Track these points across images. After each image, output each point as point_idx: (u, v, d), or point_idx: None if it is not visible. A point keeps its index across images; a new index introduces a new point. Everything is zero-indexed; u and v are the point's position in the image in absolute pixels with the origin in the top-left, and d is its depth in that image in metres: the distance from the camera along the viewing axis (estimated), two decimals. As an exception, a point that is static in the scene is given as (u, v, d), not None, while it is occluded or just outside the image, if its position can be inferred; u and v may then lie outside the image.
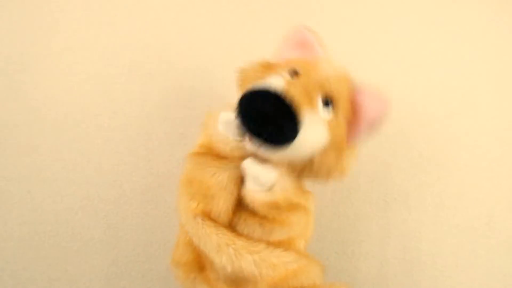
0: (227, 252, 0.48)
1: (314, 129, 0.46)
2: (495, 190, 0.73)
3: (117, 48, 0.73)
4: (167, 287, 0.73)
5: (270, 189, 0.48)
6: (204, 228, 0.49)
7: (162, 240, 0.73)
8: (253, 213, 0.50)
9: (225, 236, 0.49)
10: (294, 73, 0.49)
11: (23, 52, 0.72)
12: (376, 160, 0.74)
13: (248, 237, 0.50)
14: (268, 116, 0.43)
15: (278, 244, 0.51)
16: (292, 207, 0.50)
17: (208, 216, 0.50)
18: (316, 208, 0.74)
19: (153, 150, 0.73)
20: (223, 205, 0.50)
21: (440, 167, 0.74)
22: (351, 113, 0.49)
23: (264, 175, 0.48)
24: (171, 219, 0.73)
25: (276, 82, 0.46)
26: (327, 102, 0.47)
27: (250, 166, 0.48)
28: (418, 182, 0.74)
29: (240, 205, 0.50)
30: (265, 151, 0.46)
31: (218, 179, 0.49)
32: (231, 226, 0.51)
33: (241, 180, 0.50)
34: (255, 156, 0.49)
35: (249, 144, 0.47)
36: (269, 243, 0.50)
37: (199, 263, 0.53)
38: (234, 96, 0.47)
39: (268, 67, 0.52)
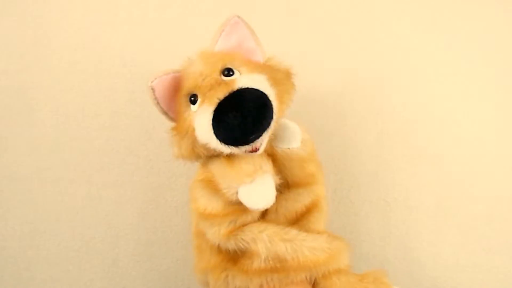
0: (262, 238, 0.49)
1: (253, 79, 0.49)
2: (495, 189, 0.73)
3: (117, 48, 0.73)
4: (167, 287, 0.73)
5: (301, 143, 0.53)
6: (238, 232, 0.51)
7: (163, 240, 0.73)
8: (286, 189, 0.54)
9: (256, 224, 0.51)
10: (192, 95, 0.51)
11: (23, 52, 0.72)
12: (376, 160, 0.74)
13: (278, 219, 0.53)
14: (249, 113, 0.45)
15: (308, 211, 0.54)
16: (317, 160, 0.56)
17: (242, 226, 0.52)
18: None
19: (153, 149, 0.73)
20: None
21: (440, 167, 0.74)
22: (241, 56, 0.53)
23: (299, 131, 0.53)
24: (172, 219, 0.73)
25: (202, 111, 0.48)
26: (228, 71, 0.50)
27: (291, 125, 0.53)
28: (418, 182, 0.74)
29: None
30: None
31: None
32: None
33: None
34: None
35: (248, 154, 0.50)
36: (299, 222, 0.53)
37: (231, 259, 0.53)
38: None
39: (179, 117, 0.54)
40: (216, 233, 0.51)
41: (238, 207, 0.50)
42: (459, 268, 0.73)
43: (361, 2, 0.74)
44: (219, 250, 0.53)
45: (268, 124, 0.46)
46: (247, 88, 0.46)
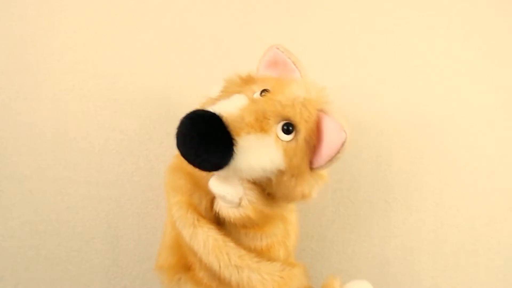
0: (223, 259, 0.49)
1: (258, 153, 0.45)
2: (495, 190, 0.73)
3: (117, 48, 0.73)
4: (168, 287, 0.73)
5: (239, 204, 0.49)
6: (197, 227, 0.50)
7: (163, 240, 0.73)
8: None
9: (219, 241, 0.50)
10: (265, 92, 0.48)
11: (23, 52, 0.72)
12: (376, 160, 0.74)
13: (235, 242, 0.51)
14: (194, 142, 0.42)
15: (258, 252, 0.52)
16: (266, 218, 0.51)
17: (196, 210, 0.51)
18: (316, 208, 0.74)
19: (154, 149, 0.73)
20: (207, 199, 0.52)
21: (440, 167, 0.74)
22: (315, 137, 0.48)
23: (230, 193, 0.48)
24: (172, 219, 0.73)
25: (235, 102, 0.46)
26: (287, 125, 0.46)
27: (214, 186, 0.49)
28: (418, 182, 0.74)
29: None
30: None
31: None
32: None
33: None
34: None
35: None
36: (253, 251, 0.52)
37: (185, 265, 0.54)
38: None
39: (247, 81, 0.52)
40: (172, 201, 0.52)
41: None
42: (459, 268, 0.73)
43: (361, 3, 0.74)
44: (175, 250, 0.54)
45: (208, 158, 0.43)
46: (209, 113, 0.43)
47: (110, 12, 0.73)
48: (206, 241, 0.49)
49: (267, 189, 0.49)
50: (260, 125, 0.45)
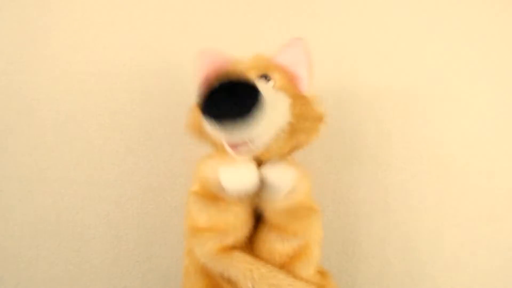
0: (250, 277, 0.49)
1: (270, 94, 0.48)
2: (495, 190, 0.73)
3: (117, 48, 0.73)
4: (167, 287, 0.73)
5: (292, 190, 0.50)
6: (226, 258, 0.51)
7: (163, 240, 0.73)
8: (267, 227, 0.52)
9: (245, 260, 0.50)
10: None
11: (23, 52, 0.72)
12: (376, 160, 0.74)
13: (266, 258, 0.51)
14: (230, 92, 0.44)
15: (295, 255, 0.52)
16: (309, 210, 0.54)
17: (229, 248, 0.52)
18: (317, 208, 0.74)
19: (153, 149, 0.74)
20: (242, 237, 0.52)
21: (440, 167, 0.74)
22: (285, 74, 0.53)
23: (288, 175, 0.50)
24: (172, 219, 0.73)
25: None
26: (265, 77, 0.51)
27: (272, 170, 0.50)
28: (418, 182, 0.74)
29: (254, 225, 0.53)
30: (243, 134, 0.46)
31: (240, 218, 0.51)
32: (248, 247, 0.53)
33: (254, 211, 0.53)
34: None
35: (233, 150, 0.48)
36: (286, 266, 0.52)
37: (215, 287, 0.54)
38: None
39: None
40: (202, 249, 0.51)
41: (222, 219, 0.50)
42: (459, 268, 0.73)
43: (361, 2, 0.74)
44: (204, 275, 0.53)
45: (253, 111, 0.43)
46: (245, 80, 0.44)
47: (110, 13, 0.73)
48: (234, 266, 0.50)
49: (298, 137, 0.52)
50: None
